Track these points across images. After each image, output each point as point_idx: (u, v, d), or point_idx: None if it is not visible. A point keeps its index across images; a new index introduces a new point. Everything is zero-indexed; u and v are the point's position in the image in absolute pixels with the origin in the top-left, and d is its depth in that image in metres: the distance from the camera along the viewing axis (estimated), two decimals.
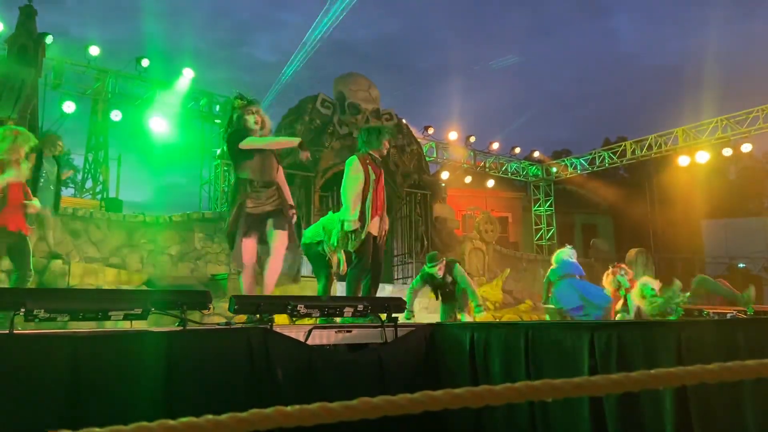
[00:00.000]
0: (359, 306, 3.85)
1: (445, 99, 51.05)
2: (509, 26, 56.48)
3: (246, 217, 4.28)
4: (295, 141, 4.70)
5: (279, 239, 4.38)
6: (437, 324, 4.18)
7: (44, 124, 12.74)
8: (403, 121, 13.53)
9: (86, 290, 4.12)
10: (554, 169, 18.81)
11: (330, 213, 5.54)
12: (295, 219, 4.66)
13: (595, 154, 17.87)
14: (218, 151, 14.23)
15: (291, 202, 4.74)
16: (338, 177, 12.46)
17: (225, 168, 13.91)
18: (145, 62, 13.38)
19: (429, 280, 6.73)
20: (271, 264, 4.36)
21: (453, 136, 16.63)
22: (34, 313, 2.56)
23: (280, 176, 4.67)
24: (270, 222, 4.38)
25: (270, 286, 4.38)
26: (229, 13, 54.33)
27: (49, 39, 11.11)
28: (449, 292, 6.82)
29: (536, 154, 18.84)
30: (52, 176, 7.04)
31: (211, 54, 47.59)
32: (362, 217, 4.78)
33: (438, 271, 6.58)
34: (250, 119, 4.45)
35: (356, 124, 12.38)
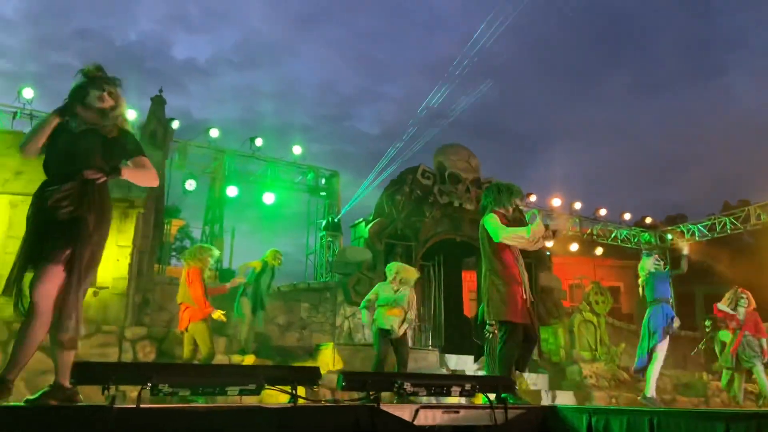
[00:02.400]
0: (467, 385, 3.73)
1: (546, 164, 50.38)
2: (612, 86, 55.33)
3: None
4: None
5: None
6: (550, 407, 3.95)
7: (168, 201, 13.88)
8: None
9: (205, 366, 4.34)
10: (669, 236, 17.72)
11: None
12: None
13: (714, 219, 16.72)
14: (324, 222, 14.77)
15: None
16: (439, 246, 12.57)
17: (330, 239, 14.37)
18: (258, 141, 14.37)
19: None
20: None
21: (557, 202, 16.24)
22: (159, 387, 2.70)
23: None
24: None
25: None
26: (334, 90, 57.58)
27: (175, 124, 12.27)
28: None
29: (648, 219, 17.90)
30: (264, 285, 8.47)
31: (317, 129, 50.41)
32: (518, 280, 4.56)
33: None
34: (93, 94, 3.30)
35: (456, 194, 12.44)
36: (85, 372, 2.67)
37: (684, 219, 20.03)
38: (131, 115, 12.59)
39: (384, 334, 7.01)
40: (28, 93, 11.81)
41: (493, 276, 4.64)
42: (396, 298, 7.02)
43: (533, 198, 15.82)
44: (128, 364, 3.15)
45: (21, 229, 8.20)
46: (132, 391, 6.20)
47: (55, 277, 3.11)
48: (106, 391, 2.61)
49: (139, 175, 3.38)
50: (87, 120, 3.29)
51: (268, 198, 14.28)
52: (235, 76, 55.31)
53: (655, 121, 53.86)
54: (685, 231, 17.40)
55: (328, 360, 8.80)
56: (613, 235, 17.44)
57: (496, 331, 4.63)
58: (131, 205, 8.30)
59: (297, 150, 14.77)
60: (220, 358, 7.70)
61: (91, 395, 6.52)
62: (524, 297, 4.54)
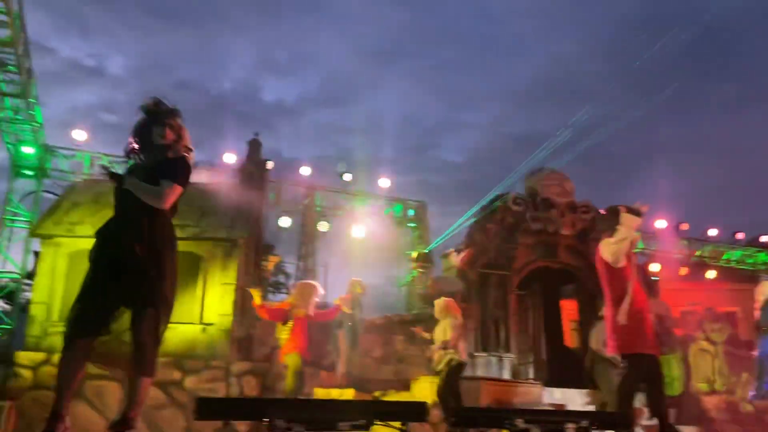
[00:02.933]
0: (583, 421, 3.54)
1: (647, 185, 47.97)
2: (717, 99, 52.19)
3: None
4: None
5: None
6: None
7: (265, 238, 14.41)
8: (601, 212, 12.89)
9: (319, 401, 4.40)
10: None
11: None
12: None
13: None
14: (414, 253, 14.77)
15: None
16: (535, 274, 12.20)
17: (421, 270, 14.34)
18: (346, 176, 14.71)
19: None
20: None
21: (661, 224, 15.37)
22: (275, 422, 2.75)
23: None
24: None
25: None
26: (417, 121, 58.21)
27: (270, 164, 12.80)
28: None
29: (764, 238, 16.54)
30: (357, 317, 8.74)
31: (402, 161, 50.96)
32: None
33: None
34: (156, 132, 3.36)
35: (550, 220, 12.08)
36: (207, 407, 2.77)
37: None
38: (229, 158, 13.31)
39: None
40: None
41: (614, 305, 4.42)
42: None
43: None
44: (246, 399, 3.25)
45: None
46: (240, 425, 6.39)
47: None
48: (227, 426, 2.70)
49: (145, 193, 3.27)
50: (154, 157, 3.37)
51: (358, 231, 14.50)
52: (321, 114, 57.40)
53: (764, 134, 50.14)
54: None
55: (426, 394, 8.65)
56: (725, 257, 16.23)
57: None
58: (234, 244, 8.68)
59: (384, 183, 14.97)
60: (319, 393, 7.80)
61: (201, 430, 6.76)
62: (648, 325, 4.29)
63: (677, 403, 10.56)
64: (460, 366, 6.87)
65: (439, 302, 7.34)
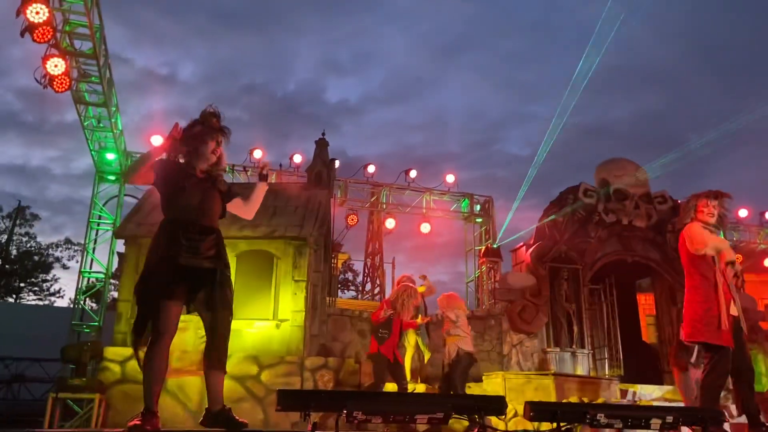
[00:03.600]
0: (668, 417, 3.40)
1: (727, 172, 45.59)
2: None
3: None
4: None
5: None
6: None
7: (333, 236, 14.64)
8: (679, 202, 12.33)
9: (395, 394, 4.44)
10: None
11: None
12: None
13: None
14: (482, 248, 14.63)
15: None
16: (609, 268, 11.80)
17: (490, 265, 14.18)
18: (412, 173, 14.71)
19: None
20: None
21: (743, 213, 14.56)
22: (354, 414, 2.80)
23: None
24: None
25: None
26: (481, 115, 57.55)
27: (336, 164, 12.98)
28: None
29: None
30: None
31: (467, 156, 50.59)
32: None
33: None
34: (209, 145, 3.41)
35: (624, 211, 11.68)
36: (287, 399, 2.85)
37: None
38: (297, 158, 13.61)
39: None
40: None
41: (692, 292, 4.26)
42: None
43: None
44: (325, 391, 3.33)
45: None
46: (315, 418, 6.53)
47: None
48: (307, 417, 2.77)
49: (256, 204, 3.61)
50: (199, 168, 3.39)
51: (425, 228, 14.49)
52: (385, 112, 57.71)
53: None
54: None
55: (498, 389, 8.58)
56: None
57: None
58: (304, 242, 8.87)
59: (450, 178, 14.89)
60: (388, 387, 7.85)
61: (279, 423, 6.96)
62: (728, 318, 4.08)
63: (765, 399, 9.99)
64: (468, 356, 6.76)
65: (441, 298, 7.30)
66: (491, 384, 8.86)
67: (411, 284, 7.24)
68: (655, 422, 3.38)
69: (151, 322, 3.28)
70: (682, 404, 6.60)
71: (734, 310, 4.28)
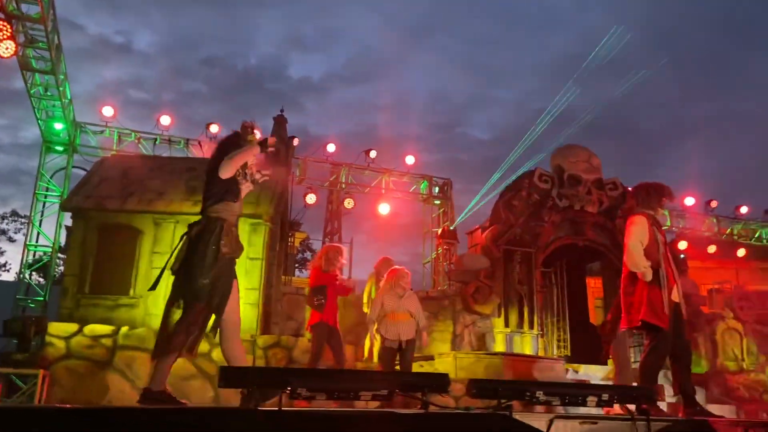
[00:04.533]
0: (604, 395, 3.53)
1: (679, 161, 46.99)
2: (755, 73, 50.52)
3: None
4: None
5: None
6: (699, 420, 3.65)
7: (291, 215, 14.52)
8: (629, 189, 12.68)
9: (341, 371, 4.47)
10: None
11: None
12: None
13: None
14: (438, 231, 14.77)
15: None
16: (561, 252, 12.09)
17: (446, 247, 14.35)
18: (372, 153, 14.68)
19: None
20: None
21: (690, 201, 15.10)
22: (298, 391, 2.80)
23: None
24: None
25: None
26: (446, 98, 57.66)
27: (295, 142, 12.84)
28: None
29: None
30: None
31: (429, 138, 50.68)
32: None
33: None
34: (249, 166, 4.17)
35: (577, 197, 11.94)
36: (231, 375, 2.83)
37: None
38: (256, 135, 13.38)
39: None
40: (165, 120, 12.89)
41: (631, 276, 4.43)
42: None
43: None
44: (269, 368, 3.33)
45: (165, 245, 8.91)
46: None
47: None
48: (250, 394, 2.76)
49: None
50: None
51: (384, 208, 14.52)
52: (348, 91, 57.23)
53: None
54: None
55: (449, 368, 8.73)
56: (756, 235, 15.89)
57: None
58: (260, 220, 8.77)
59: (410, 160, 14.92)
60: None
61: (229, 400, 6.93)
62: (670, 302, 4.25)
63: (704, 381, 10.48)
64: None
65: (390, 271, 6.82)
66: (443, 363, 9.01)
67: (336, 244, 7.09)
68: (592, 399, 3.50)
69: None
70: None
71: (675, 296, 4.45)
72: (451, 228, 14.56)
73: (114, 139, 12.51)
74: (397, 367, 6.38)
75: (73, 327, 7.57)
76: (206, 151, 12.69)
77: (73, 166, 12.09)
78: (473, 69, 57.81)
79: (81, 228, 8.56)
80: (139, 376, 7.39)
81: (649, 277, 4.28)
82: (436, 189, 15.27)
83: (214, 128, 12.99)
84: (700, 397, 9.40)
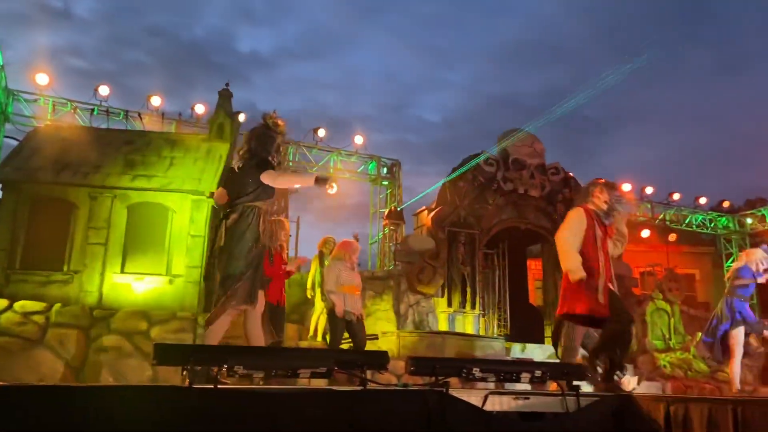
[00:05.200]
0: (537, 371, 3.66)
1: (618, 149, 48.54)
2: (692, 66, 52.45)
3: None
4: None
5: None
6: (625, 395, 3.83)
7: None
8: (570, 174, 13.06)
9: (279, 349, 4.45)
10: (749, 220, 16.81)
11: None
12: None
13: None
14: (385, 212, 14.82)
15: None
16: (503, 234, 12.37)
17: (392, 228, 14.42)
18: (320, 132, 14.54)
19: None
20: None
21: (627, 187, 15.68)
22: (235, 369, 2.79)
23: None
24: None
25: None
26: (396, 78, 57.41)
27: (241, 117, 12.57)
28: None
29: (726, 203, 17.02)
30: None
31: (378, 118, 50.56)
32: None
33: None
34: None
35: (520, 180, 12.20)
36: (165, 353, 2.78)
37: (765, 202, 18.92)
38: (200, 109, 13.05)
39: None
40: (104, 90, 12.36)
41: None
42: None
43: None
44: (205, 346, 3.29)
45: (100, 220, 8.62)
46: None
47: None
48: (185, 372, 2.71)
49: None
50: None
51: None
52: (298, 68, 56.13)
53: (737, 101, 50.66)
54: (767, 214, 16.44)
55: (392, 347, 8.86)
56: (687, 221, 16.68)
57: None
58: (203, 196, 8.59)
59: (359, 140, 14.86)
60: (290, 345, 7.89)
61: (168, 379, 6.81)
62: (597, 287, 4.42)
63: (633, 359, 11.00)
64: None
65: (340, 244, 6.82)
66: (386, 342, 9.11)
67: (279, 218, 6.98)
68: (525, 376, 3.62)
69: None
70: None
71: (607, 286, 4.62)
72: (399, 209, 14.64)
73: (48, 108, 11.91)
74: (348, 343, 6.35)
75: (2, 303, 7.26)
76: (147, 124, 12.28)
77: (5, 136, 11.46)
78: (425, 50, 57.75)
79: (12, 201, 8.19)
80: (72, 354, 7.17)
81: (574, 277, 4.41)
82: (385, 170, 15.29)
83: (156, 100, 12.57)
84: (628, 374, 9.86)
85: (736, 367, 6.41)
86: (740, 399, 3.69)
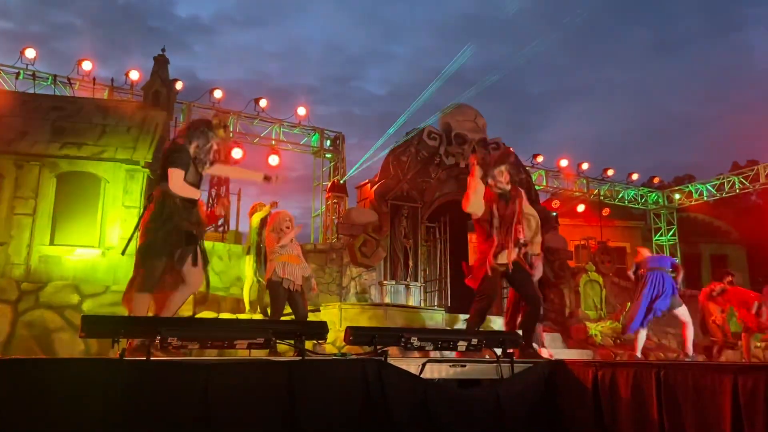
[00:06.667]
0: (473, 340, 3.75)
1: (556, 125, 49.74)
2: (628, 45, 54.03)
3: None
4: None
5: None
6: (557, 361, 3.98)
7: None
8: (511, 149, 13.30)
9: (215, 320, 4.35)
10: (677, 196, 17.66)
11: None
12: None
13: (723, 179, 16.60)
14: (328, 185, 14.72)
15: None
16: (445, 207, 12.53)
17: (335, 200, 14.36)
18: (262, 102, 14.21)
19: None
20: None
21: (564, 163, 16.15)
22: (168, 341, 2.72)
23: None
24: None
25: None
26: (341, 49, 56.63)
27: (179, 85, 12.13)
28: None
29: (656, 180, 17.79)
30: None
31: (323, 90, 49.90)
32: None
33: None
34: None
35: (462, 155, 12.33)
36: (94, 325, 2.69)
37: (692, 179, 19.92)
38: (134, 75, 12.51)
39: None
40: (30, 53, 11.67)
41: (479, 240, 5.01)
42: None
43: (541, 159, 15.84)
44: (137, 318, 3.19)
45: (27, 190, 8.21)
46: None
47: None
48: (116, 344, 2.63)
49: None
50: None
51: (273, 160, 14.19)
52: (240, 36, 54.56)
53: (672, 80, 52.68)
54: (693, 191, 17.30)
55: (334, 319, 8.85)
56: (620, 196, 17.36)
57: None
58: (137, 166, 8.28)
59: (302, 111, 14.62)
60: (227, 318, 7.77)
61: (102, 353, 6.62)
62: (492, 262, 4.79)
63: (566, 329, 11.46)
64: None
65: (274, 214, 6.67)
66: (328, 314, 9.11)
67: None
68: (462, 344, 3.71)
69: None
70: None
71: (503, 258, 4.86)
72: (341, 182, 14.56)
73: None
74: (289, 313, 6.26)
75: None
76: (77, 90, 11.68)
77: None
78: (370, 22, 57.15)
79: None
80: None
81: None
82: (328, 142, 15.14)
83: (87, 65, 11.95)
84: (556, 343, 10.29)
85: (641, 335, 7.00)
86: (663, 363, 3.91)
